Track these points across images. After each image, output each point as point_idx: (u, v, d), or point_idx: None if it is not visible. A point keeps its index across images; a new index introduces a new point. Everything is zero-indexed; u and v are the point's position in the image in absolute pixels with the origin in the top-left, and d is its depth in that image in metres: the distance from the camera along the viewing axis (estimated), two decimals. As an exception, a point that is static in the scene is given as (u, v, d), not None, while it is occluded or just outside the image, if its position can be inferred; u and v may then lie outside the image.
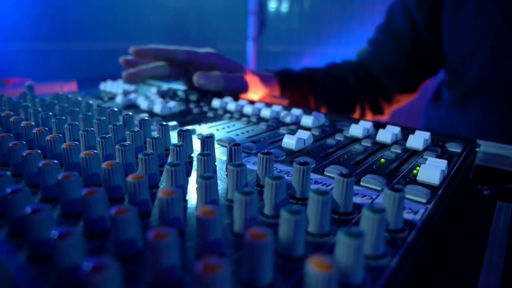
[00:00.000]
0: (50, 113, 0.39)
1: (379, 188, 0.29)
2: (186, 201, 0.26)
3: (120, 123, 0.36)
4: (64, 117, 0.38)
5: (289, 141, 0.37)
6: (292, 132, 0.42)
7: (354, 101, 0.83)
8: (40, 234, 0.19)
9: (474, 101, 0.72)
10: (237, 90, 0.64)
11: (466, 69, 0.72)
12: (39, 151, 0.28)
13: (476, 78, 0.70)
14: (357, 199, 0.27)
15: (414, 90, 0.89)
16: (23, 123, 0.35)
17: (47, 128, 0.34)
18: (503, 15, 0.65)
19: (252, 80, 0.66)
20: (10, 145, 0.29)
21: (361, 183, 0.30)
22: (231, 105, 0.54)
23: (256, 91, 0.67)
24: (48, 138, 0.31)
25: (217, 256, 0.16)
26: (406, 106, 0.96)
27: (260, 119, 0.50)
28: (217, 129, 0.45)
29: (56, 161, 0.26)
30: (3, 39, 1.45)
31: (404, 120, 0.46)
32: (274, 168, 0.32)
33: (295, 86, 0.75)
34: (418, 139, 0.38)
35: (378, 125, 0.45)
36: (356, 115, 0.85)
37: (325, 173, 0.32)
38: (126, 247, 0.19)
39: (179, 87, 0.73)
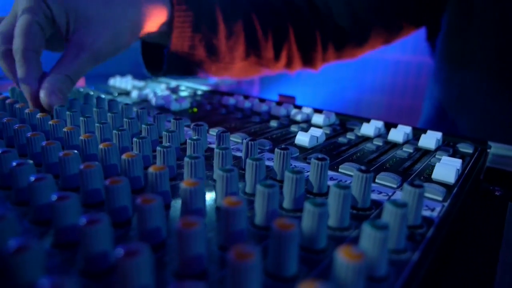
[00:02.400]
0: (64, 106, 0.39)
1: (394, 186, 0.29)
2: (204, 192, 0.26)
3: (134, 117, 0.36)
4: (77, 110, 0.38)
5: (303, 138, 0.37)
6: (304, 130, 0.42)
7: (282, 40, 0.60)
8: (66, 221, 0.19)
9: (471, 100, 0.71)
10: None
11: (466, 68, 0.71)
12: (58, 141, 0.28)
13: (478, 79, 0.70)
14: (373, 196, 0.27)
15: (376, 44, 0.68)
16: (38, 115, 0.35)
17: (63, 120, 0.34)
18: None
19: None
20: (28, 135, 0.29)
21: (377, 180, 0.30)
22: (242, 103, 0.54)
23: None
24: (65, 129, 0.31)
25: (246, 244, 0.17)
26: (404, 107, 0.95)
27: (271, 117, 0.50)
28: (229, 126, 0.45)
29: (76, 151, 0.26)
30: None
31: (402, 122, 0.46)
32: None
33: (202, 9, 0.51)
34: (430, 139, 0.39)
35: (389, 125, 0.45)
36: (280, 63, 0.63)
37: (340, 170, 0.32)
38: (152, 235, 0.19)
39: (189, 84, 0.73)
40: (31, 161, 0.23)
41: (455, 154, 0.38)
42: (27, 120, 0.36)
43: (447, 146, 0.40)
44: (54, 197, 0.19)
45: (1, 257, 0.15)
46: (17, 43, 0.38)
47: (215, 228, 0.22)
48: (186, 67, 0.54)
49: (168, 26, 0.49)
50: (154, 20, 0.47)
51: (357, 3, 0.62)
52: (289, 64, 0.64)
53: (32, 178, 0.21)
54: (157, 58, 0.56)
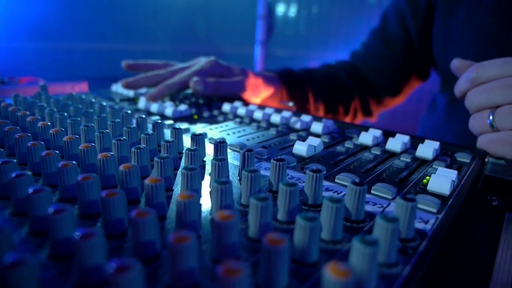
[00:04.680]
0: (65, 114, 0.40)
1: (389, 197, 0.29)
2: (200, 204, 0.27)
3: (134, 125, 0.37)
4: (79, 118, 0.38)
5: (300, 148, 0.37)
6: (302, 138, 0.42)
7: (349, 102, 0.85)
8: (62, 233, 0.19)
9: (459, 108, 0.73)
10: (235, 94, 0.66)
11: (453, 76, 0.72)
12: (57, 151, 0.28)
13: None
14: (368, 207, 0.27)
15: (402, 95, 0.92)
16: (40, 123, 0.35)
17: (63, 129, 0.34)
18: (489, 25, 0.65)
19: (254, 82, 0.68)
20: (29, 145, 0.30)
21: (372, 192, 0.30)
22: (241, 110, 0.55)
23: (259, 93, 0.69)
24: (65, 139, 0.31)
25: (234, 259, 0.17)
26: (402, 113, 0.97)
27: (270, 125, 0.50)
28: (228, 134, 0.46)
29: (74, 162, 0.26)
30: (14, 38, 1.47)
31: (399, 128, 0.47)
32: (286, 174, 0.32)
33: (297, 87, 0.77)
34: (427, 149, 0.39)
35: (388, 134, 0.45)
36: (349, 116, 0.87)
37: (336, 180, 0.32)
38: (146, 248, 0.20)
39: (189, 91, 0.73)
40: (29, 172, 0.24)
41: (452, 163, 0.38)
42: (28, 128, 0.37)
43: (445, 156, 0.40)
44: (50, 210, 0.19)
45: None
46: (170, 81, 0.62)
47: (209, 240, 0.22)
48: None
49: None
50: (269, 90, 0.72)
51: (394, 67, 0.85)
52: (354, 117, 0.88)
53: (30, 190, 0.22)
54: None
